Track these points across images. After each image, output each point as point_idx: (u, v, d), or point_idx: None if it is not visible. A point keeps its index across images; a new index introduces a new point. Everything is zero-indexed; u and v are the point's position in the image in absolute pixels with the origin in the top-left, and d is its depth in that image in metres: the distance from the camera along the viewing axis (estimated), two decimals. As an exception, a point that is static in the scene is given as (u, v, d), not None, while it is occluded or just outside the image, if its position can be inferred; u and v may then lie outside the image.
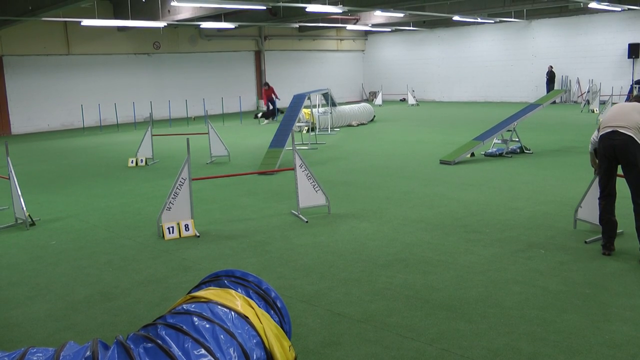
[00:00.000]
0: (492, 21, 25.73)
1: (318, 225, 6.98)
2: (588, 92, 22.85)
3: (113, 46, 22.82)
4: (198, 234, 6.73)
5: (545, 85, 25.80)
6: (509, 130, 11.87)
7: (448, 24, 28.19)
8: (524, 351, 3.75)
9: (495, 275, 5.12)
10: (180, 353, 2.82)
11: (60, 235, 7.03)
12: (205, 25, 20.95)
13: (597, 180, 5.93)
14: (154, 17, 18.63)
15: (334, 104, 17.98)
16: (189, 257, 5.98)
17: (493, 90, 28.44)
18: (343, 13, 20.63)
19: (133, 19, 18.72)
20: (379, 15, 24.31)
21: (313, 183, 7.43)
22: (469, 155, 11.47)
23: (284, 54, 29.31)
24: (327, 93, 17.43)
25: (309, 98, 14.91)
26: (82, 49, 21.92)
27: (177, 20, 19.10)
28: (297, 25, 26.88)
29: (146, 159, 12.34)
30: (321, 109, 17.96)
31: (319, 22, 24.63)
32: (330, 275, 5.29)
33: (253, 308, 3.25)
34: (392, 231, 6.63)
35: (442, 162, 11.09)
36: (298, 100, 13.17)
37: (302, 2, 16.84)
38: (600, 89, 21.19)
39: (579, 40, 25.41)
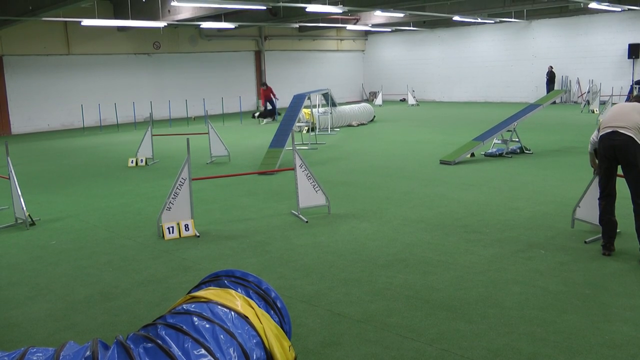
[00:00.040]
0: (492, 21, 25.73)
1: (318, 226, 6.98)
2: (588, 92, 22.84)
3: (113, 46, 22.82)
4: (198, 234, 6.73)
5: (545, 85, 25.79)
6: (509, 131, 11.87)
7: (448, 24, 28.19)
8: (524, 351, 3.75)
9: (495, 276, 5.12)
10: (180, 353, 2.82)
11: (60, 235, 7.03)
12: (205, 25, 20.95)
13: (596, 180, 5.93)
14: (154, 17, 18.63)
15: (334, 104, 17.98)
16: (189, 257, 5.98)
17: (493, 90, 28.44)
18: (343, 13, 20.63)
19: (133, 19, 18.72)
20: (379, 16, 24.31)
21: (313, 183, 7.43)
22: (469, 156, 11.47)
23: (284, 54, 29.31)
24: (327, 93, 17.43)
25: (309, 98, 14.91)
26: (82, 49, 21.92)
27: (177, 20, 19.10)
28: (297, 25, 26.88)
29: (146, 159, 12.34)
30: (321, 109, 17.96)
31: (319, 22, 24.63)
32: (330, 275, 5.29)
33: (253, 308, 3.25)
34: (392, 231, 6.63)
35: (442, 163, 11.09)
36: (298, 100, 13.17)
37: (302, 2, 16.85)
38: (600, 89, 21.20)
39: (579, 40, 25.41)
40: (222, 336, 2.96)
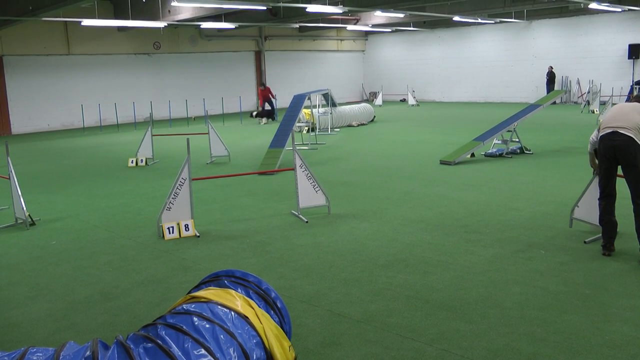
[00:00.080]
0: (493, 22, 25.72)
1: (318, 226, 6.98)
2: (588, 92, 22.84)
3: (113, 46, 22.82)
4: (198, 234, 6.73)
5: (545, 85, 25.80)
6: (509, 131, 11.87)
7: (448, 24, 28.19)
8: (524, 352, 3.75)
9: (495, 276, 5.12)
10: (180, 353, 2.82)
11: (60, 235, 7.03)
12: (205, 25, 20.95)
13: (595, 180, 5.93)
14: (154, 17, 18.64)
15: (334, 104, 17.98)
16: (189, 257, 5.98)
17: (493, 90, 28.44)
18: (343, 13, 20.64)
19: (133, 19, 18.72)
20: (379, 16, 24.31)
21: (313, 183, 7.43)
22: (469, 156, 11.47)
23: (284, 54, 29.31)
24: (327, 93, 17.43)
25: (309, 98, 14.91)
26: (82, 49, 21.92)
27: (177, 21, 19.10)
28: (297, 25, 26.89)
29: (146, 159, 12.34)
30: (321, 109, 17.96)
31: (319, 23, 24.63)
32: (330, 275, 5.29)
33: (253, 308, 3.25)
34: (392, 231, 6.63)
35: (442, 163, 11.09)
36: (298, 101, 13.17)
37: (302, 2, 16.85)
38: (600, 90, 21.19)
39: (579, 40, 25.41)
40: (222, 336, 2.96)
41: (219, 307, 3.15)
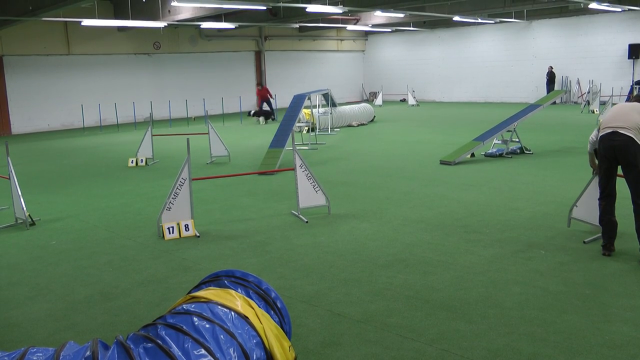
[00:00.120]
0: (493, 22, 25.72)
1: (318, 226, 6.98)
2: (588, 92, 22.84)
3: (113, 46, 22.82)
4: (198, 234, 6.73)
5: (545, 85, 25.80)
6: (509, 131, 11.87)
7: (448, 24, 28.19)
8: (524, 352, 3.75)
9: (495, 276, 5.12)
10: (180, 353, 2.82)
11: (60, 235, 7.03)
12: (205, 25, 20.95)
13: (595, 180, 5.93)
14: (154, 17, 18.64)
15: (334, 104, 17.98)
16: (189, 257, 5.98)
17: (493, 90, 28.44)
18: (343, 13, 20.64)
19: (133, 19, 18.73)
20: (379, 16, 24.31)
21: (313, 183, 7.43)
22: (469, 156, 11.47)
23: (284, 54, 29.31)
24: (327, 93, 17.43)
25: (309, 98, 14.91)
26: (82, 49, 21.92)
27: (177, 21, 19.10)
28: (297, 25, 26.88)
29: (146, 159, 12.34)
30: (321, 109, 17.97)
31: (319, 23, 24.63)
32: (330, 275, 5.29)
33: (253, 308, 3.24)
34: (392, 231, 6.63)
35: (442, 163, 11.09)
36: (298, 101, 13.17)
37: (302, 2, 16.85)
38: (600, 90, 21.19)
39: (579, 40, 25.41)
40: (222, 336, 2.96)
41: (219, 307, 3.15)
